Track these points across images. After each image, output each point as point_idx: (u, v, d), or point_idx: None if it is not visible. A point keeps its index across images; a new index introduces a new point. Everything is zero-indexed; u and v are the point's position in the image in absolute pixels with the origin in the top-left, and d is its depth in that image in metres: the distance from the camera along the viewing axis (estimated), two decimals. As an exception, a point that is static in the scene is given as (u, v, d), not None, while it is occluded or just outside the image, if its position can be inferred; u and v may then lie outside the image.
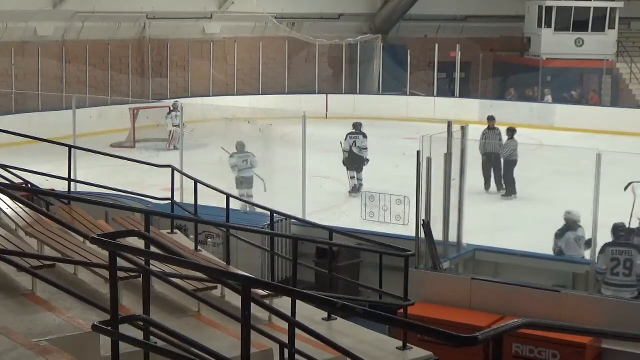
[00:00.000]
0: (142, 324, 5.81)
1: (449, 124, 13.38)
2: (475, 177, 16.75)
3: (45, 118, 25.44)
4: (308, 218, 14.87)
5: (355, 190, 19.35)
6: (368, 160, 19.66)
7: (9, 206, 9.09)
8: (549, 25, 34.41)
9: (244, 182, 17.38)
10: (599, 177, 12.41)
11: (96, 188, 12.83)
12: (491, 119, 20.87)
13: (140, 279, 6.26)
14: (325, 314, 8.48)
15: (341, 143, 19.84)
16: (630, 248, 11.90)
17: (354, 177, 19.68)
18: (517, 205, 18.65)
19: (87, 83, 29.08)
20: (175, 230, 11.42)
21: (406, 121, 28.26)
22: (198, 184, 11.71)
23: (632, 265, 11.76)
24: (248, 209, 15.70)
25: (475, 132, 18.15)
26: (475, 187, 17.00)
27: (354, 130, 19.97)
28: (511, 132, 19.61)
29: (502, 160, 19.31)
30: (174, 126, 25.06)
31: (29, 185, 11.51)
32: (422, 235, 12.08)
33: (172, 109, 25.38)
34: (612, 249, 11.96)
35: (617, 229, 12.22)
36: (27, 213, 8.76)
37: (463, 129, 13.54)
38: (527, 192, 19.45)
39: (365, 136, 19.85)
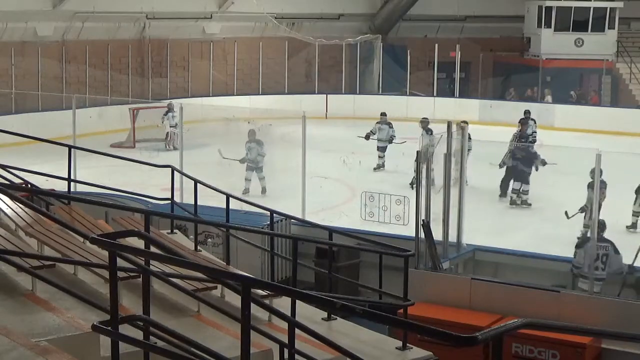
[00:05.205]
0: (142, 324, 5.81)
1: (449, 124, 13.40)
2: (475, 177, 16.73)
3: (45, 118, 25.41)
4: (308, 218, 14.87)
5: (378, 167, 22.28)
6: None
7: (9, 206, 9.09)
8: (548, 25, 34.40)
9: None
10: (598, 177, 12.44)
11: (96, 188, 12.82)
12: (524, 122, 21.42)
13: (140, 279, 6.26)
14: (325, 314, 8.48)
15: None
16: (607, 243, 12.22)
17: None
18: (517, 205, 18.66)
19: (87, 83, 29.07)
20: (175, 230, 11.43)
21: (406, 121, 28.25)
22: (198, 184, 11.71)
23: (607, 260, 12.07)
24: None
25: (476, 133, 18.15)
26: (475, 187, 16.99)
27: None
28: None
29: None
30: (170, 127, 25.12)
31: (29, 185, 11.51)
32: (422, 235, 12.10)
33: (168, 109, 25.43)
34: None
35: (599, 226, 12.53)
36: (26, 213, 8.76)
37: (463, 129, 13.57)
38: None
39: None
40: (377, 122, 22.83)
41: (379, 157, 22.42)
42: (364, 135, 22.38)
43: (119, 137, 25.91)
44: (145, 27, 30.65)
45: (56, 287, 6.86)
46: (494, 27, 35.95)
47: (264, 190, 19.18)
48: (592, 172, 14.79)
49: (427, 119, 21.36)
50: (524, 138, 22.08)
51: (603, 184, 14.95)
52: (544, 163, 18.44)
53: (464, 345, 4.59)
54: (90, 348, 5.93)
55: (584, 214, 15.69)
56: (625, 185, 16.91)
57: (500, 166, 18.71)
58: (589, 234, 14.62)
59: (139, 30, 30.72)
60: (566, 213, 15.79)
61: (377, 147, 22.50)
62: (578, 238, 14.63)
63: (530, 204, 18.16)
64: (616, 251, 12.25)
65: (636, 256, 12.36)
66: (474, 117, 28.43)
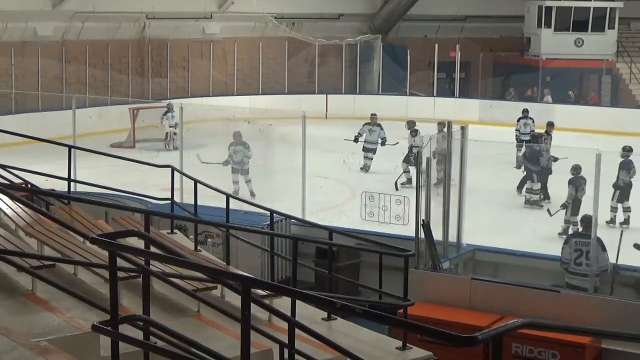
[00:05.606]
0: (141, 324, 5.81)
1: (449, 124, 13.41)
2: (475, 177, 16.76)
3: (45, 118, 25.41)
4: (308, 218, 14.87)
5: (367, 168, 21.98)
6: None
7: (8, 206, 9.09)
8: (548, 25, 34.41)
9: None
10: (598, 177, 12.44)
11: (96, 188, 12.82)
12: (550, 124, 21.45)
13: (140, 279, 6.26)
14: (325, 314, 8.48)
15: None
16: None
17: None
18: (517, 204, 18.68)
19: (87, 83, 29.07)
20: (175, 230, 11.42)
21: (405, 121, 28.30)
22: (198, 184, 11.71)
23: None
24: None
25: (475, 133, 18.15)
26: (475, 187, 17.01)
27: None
28: None
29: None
30: (170, 127, 25.16)
31: (29, 185, 11.50)
32: (422, 235, 12.10)
33: (167, 109, 25.46)
34: (576, 239, 12.46)
35: (586, 221, 12.72)
36: (26, 213, 8.76)
37: (463, 129, 13.58)
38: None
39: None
40: (365, 124, 22.46)
41: (366, 157, 21.96)
42: (352, 139, 22.01)
43: (119, 137, 25.91)
44: (145, 27, 30.65)
45: (56, 287, 6.85)
46: (494, 27, 35.95)
47: (252, 194, 18.51)
48: (572, 169, 15.99)
49: (413, 120, 21.39)
50: (525, 134, 22.45)
51: (583, 180, 15.42)
52: (554, 159, 18.58)
53: (464, 345, 4.59)
54: (90, 348, 5.93)
55: (564, 210, 16.02)
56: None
57: (518, 167, 19.35)
58: (570, 230, 15.00)
59: (139, 30, 30.72)
60: (548, 211, 16.13)
61: (364, 147, 22.01)
62: (559, 234, 15.20)
63: (541, 206, 18.06)
64: (603, 248, 12.29)
65: (618, 254, 12.37)
66: (474, 117, 28.44)
